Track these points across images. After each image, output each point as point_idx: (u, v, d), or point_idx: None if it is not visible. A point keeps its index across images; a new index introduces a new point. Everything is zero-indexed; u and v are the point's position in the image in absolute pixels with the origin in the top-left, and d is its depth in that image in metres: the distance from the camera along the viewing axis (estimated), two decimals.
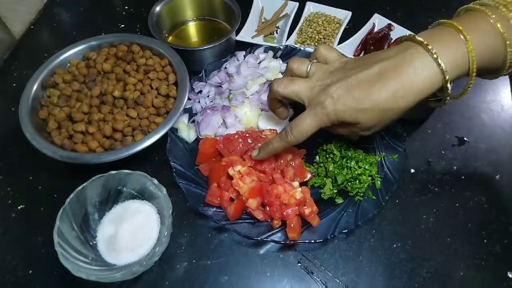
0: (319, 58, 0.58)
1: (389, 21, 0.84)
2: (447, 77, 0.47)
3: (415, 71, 0.47)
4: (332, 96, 0.51)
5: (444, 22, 0.49)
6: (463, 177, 0.68)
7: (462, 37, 0.47)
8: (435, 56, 0.46)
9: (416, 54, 0.48)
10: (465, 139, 0.73)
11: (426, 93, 0.48)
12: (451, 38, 0.47)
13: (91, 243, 0.58)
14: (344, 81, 0.51)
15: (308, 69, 0.57)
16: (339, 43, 0.83)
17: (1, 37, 0.82)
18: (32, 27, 0.91)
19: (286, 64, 0.78)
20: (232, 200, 0.61)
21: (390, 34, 0.82)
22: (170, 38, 0.87)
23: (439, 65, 0.46)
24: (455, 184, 0.67)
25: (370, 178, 0.63)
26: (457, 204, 0.65)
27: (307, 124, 0.54)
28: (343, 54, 0.59)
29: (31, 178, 0.68)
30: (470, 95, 0.77)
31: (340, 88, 0.51)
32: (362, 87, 0.50)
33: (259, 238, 0.58)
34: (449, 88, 0.48)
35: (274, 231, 0.60)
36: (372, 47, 0.80)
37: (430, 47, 0.47)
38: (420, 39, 0.48)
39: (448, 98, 0.50)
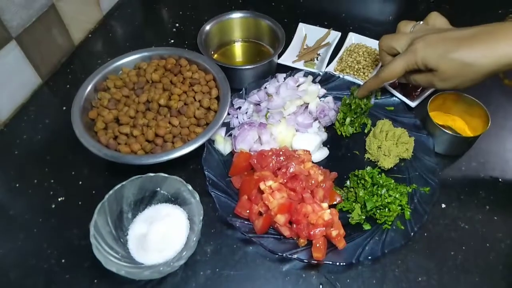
0: (428, 21, 0.66)
1: None
2: None
3: (505, 36, 0.54)
4: (425, 40, 0.60)
5: None
6: (495, 218, 0.67)
7: None
8: None
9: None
10: (500, 180, 0.72)
11: (508, 60, 0.54)
12: None
13: (122, 240, 0.61)
14: (441, 34, 0.60)
15: (412, 28, 0.67)
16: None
17: (62, 43, 0.89)
18: (90, 35, 0.98)
19: (324, 89, 0.81)
20: (260, 214, 0.63)
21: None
22: (216, 55, 0.91)
23: None
24: (487, 224, 0.66)
25: (399, 207, 0.63)
26: (488, 245, 0.64)
27: (396, 63, 0.63)
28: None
29: (73, 173, 0.72)
30: (508, 138, 0.77)
31: (435, 37, 0.59)
32: (454, 41, 0.58)
33: (284, 254, 0.59)
34: None
35: (299, 249, 0.60)
36: None
37: None
38: None
39: None
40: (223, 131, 0.75)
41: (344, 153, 0.75)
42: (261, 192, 0.63)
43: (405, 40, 0.64)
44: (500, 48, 0.55)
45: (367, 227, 0.64)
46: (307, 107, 0.77)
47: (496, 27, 0.57)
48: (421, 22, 0.67)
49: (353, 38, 0.93)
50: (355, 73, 0.86)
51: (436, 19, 0.66)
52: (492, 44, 0.55)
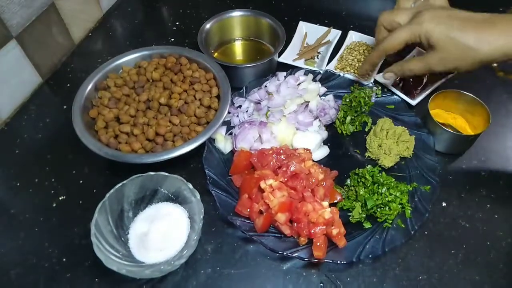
0: None
1: None
2: None
3: (508, 27, 0.56)
4: (432, 13, 0.60)
5: None
6: (496, 216, 0.67)
7: None
8: None
9: None
10: (501, 178, 0.71)
11: (507, 51, 0.56)
12: None
13: (123, 239, 0.61)
14: (448, 11, 0.60)
15: (413, 4, 0.68)
16: (378, 73, 0.84)
17: (62, 42, 0.89)
18: (90, 34, 0.98)
19: (324, 87, 0.81)
20: (261, 212, 0.63)
21: None
22: (216, 54, 0.91)
23: None
24: (488, 223, 0.66)
25: (400, 206, 0.63)
26: (488, 243, 0.64)
27: (400, 33, 0.63)
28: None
29: (74, 172, 0.72)
30: (509, 136, 0.77)
31: (443, 13, 0.60)
32: (460, 22, 0.58)
33: (284, 253, 0.59)
34: None
35: (300, 247, 0.60)
36: (411, 79, 0.81)
37: None
38: None
39: None
40: (223, 129, 0.75)
41: (345, 151, 0.75)
42: (262, 190, 0.63)
43: (407, 15, 0.65)
44: (502, 39, 0.56)
45: (367, 225, 0.64)
46: (307, 105, 0.77)
47: (498, 16, 0.58)
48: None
49: (353, 36, 0.93)
50: (356, 71, 0.86)
51: None
52: (496, 32, 0.56)
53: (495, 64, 0.67)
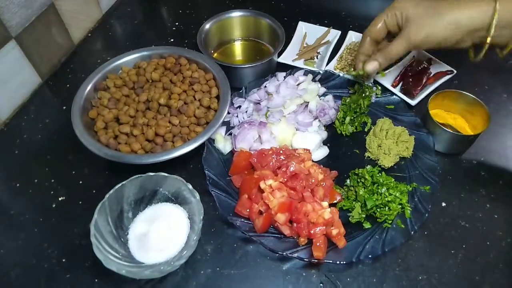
0: None
1: (429, 56, 0.86)
2: (495, 18, 0.60)
3: (472, 5, 0.62)
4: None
5: None
6: (496, 216, 0.67)
7: None
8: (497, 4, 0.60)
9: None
10: (500, 178, 0.71)
11: (473, 24, 0.62)
12: None
13: (122, 239, 0.61)
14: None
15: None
16: (378, 73, 0.84)
17: (62, 42, 0.89)
18: (89, 34, 0.98)
19: (324, 88, 0.81)
20: (261, 213, 0.63)
21: (429, 68, 0.83)
22: (216, 54, 0.91)
23: (495, 10, 0.59)
24: (487, 223, 0.66)
25: (400, 206, 0.63)
26: (488, 243, 0.64)
27: (378, 16, 0.71)
28: None
29: (74, 172, 0.72)
30: (508, 136, 0.77)
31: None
32: (428, 2, 0.65)
33: (284, 253, 0.59)
34: (492, 31, 0.61)
35: (300, 248, 0.60)
36: (411, 79, 0.81)
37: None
38: None
39: (487, 45, 0.63)
40: (223, 130, 0.75)
41: (344, 151, 0.75)
42: (261, 191, 0.63)
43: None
44: (467, 11, 0.62)
45: (367, 225, 0.64)
46: (307, 105, 0.77)
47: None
48: None
49: (353, 36, 0.93)
50: (353, 67, 0.85)
51: None
52: (458, 15, 0.63)
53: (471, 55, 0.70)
